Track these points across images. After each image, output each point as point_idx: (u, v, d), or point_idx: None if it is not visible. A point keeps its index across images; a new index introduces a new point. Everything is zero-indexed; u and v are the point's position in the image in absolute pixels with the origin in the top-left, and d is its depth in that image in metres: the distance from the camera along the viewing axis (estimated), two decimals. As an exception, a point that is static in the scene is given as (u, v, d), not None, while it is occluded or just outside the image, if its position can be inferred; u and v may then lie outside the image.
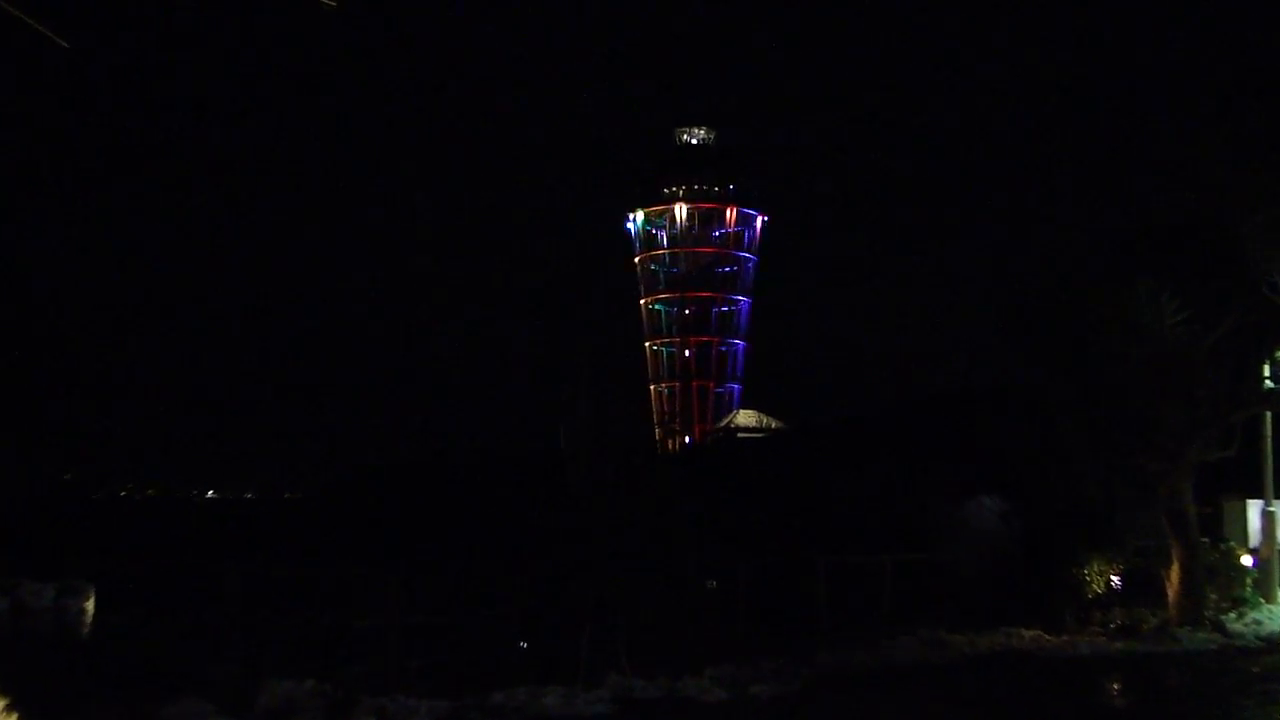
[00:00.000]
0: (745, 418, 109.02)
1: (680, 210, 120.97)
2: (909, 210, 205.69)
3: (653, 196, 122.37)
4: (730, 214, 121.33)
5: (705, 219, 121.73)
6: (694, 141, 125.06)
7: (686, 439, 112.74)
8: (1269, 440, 24.77)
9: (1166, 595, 23.68)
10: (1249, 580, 24.62)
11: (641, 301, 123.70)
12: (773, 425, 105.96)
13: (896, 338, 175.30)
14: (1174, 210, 23.78)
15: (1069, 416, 23.61)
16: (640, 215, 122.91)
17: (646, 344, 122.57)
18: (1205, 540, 24.58)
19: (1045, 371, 24.16)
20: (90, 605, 14.22)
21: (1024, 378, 25.76)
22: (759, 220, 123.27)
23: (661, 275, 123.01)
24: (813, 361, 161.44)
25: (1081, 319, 22.96)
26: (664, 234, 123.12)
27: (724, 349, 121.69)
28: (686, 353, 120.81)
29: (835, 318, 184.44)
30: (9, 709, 6.51)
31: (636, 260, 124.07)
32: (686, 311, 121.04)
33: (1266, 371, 23.94)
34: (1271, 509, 24.88)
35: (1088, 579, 24.05)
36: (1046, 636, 21.98)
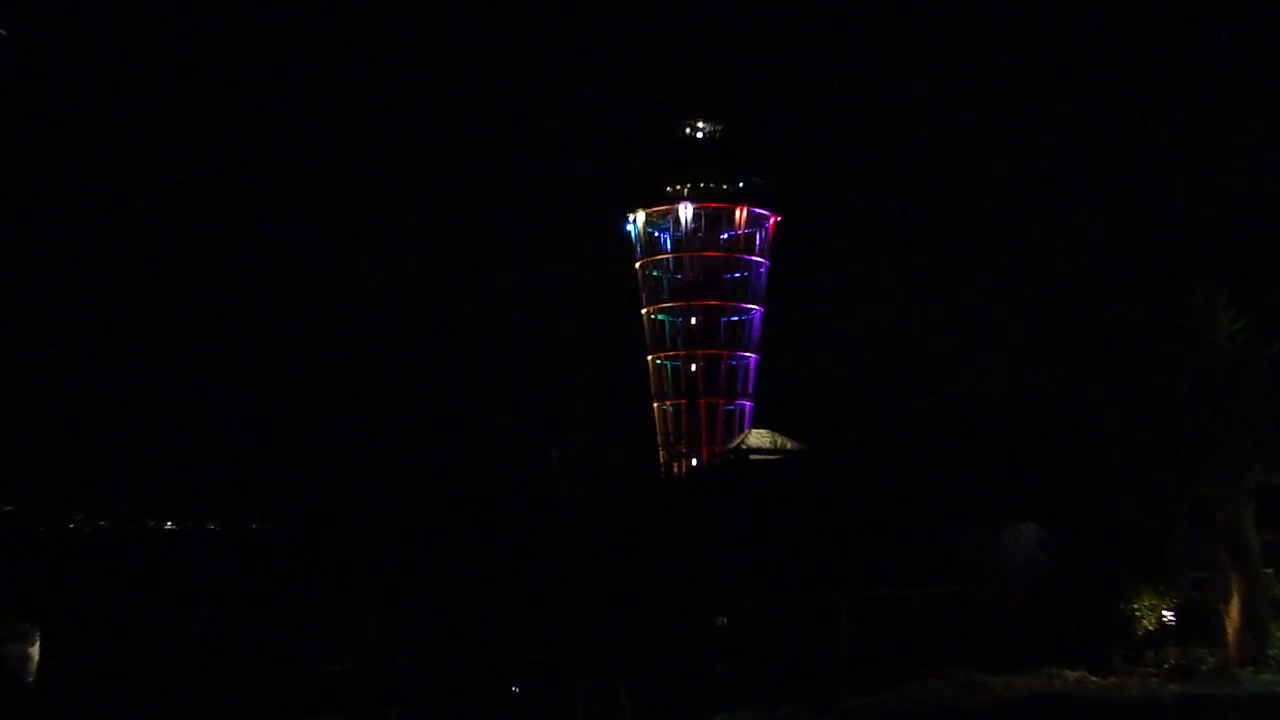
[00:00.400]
0: (758, 438, 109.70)
1: (685, 210, 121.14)
2: (934, 210, 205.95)
3: (654, 196, 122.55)
4: (740, 214, 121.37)
5: (712, 220, 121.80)
6: (699, 135, 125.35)
7: (694, 461, 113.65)
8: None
9: (1225, 633, 23.21)
10: (1317, 616, 24.09)
11: (643, 311, 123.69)
12: (788, 446, 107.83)
13: (922, 348, 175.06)
14: (1236, 207, 23.47)
15: (1116, 435, 23.30)
16: (641, 216, 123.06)
17: (649, 358, 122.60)
18: (1269, 571, 24.06)
19: (1090, 385, 23.72)
20: (35, 651, 14.00)
21: (1066, 392, 25.32)
22: (771, 221, 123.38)
23: (665, 282, 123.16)
24: (831, 376, 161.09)
25: (1130, 327, 22.70)
26: (667, 237, 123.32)
27: (734, 363, 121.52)
28: (693, 367, 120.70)
29: (855, 327, 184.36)
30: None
31: (637, 266, 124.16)
32: (693, 321, 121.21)
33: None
34: (1341, 536, 25.25)
35: (1137, 615, 23.64)
36: (1092, 678, 21.66)
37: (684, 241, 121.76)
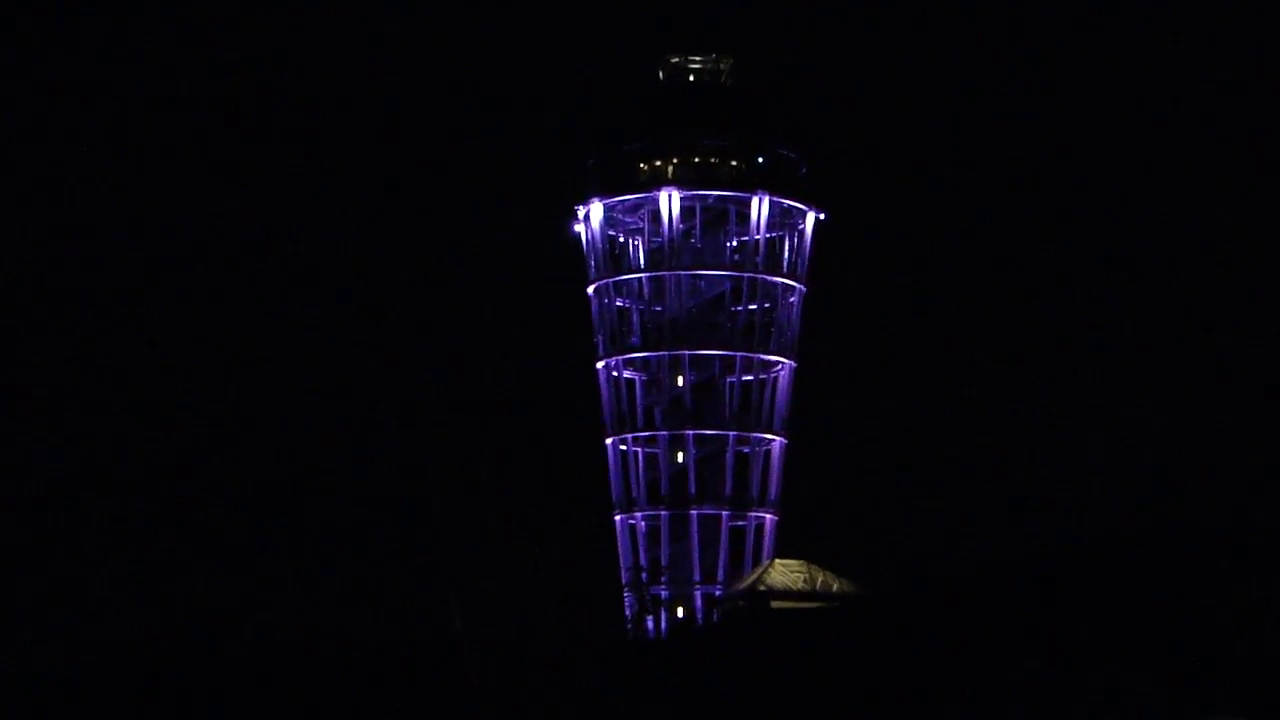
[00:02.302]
0: (783, 573, 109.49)
1: (669, 200, 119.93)
2: (1042, 199, 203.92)
3: (620, 176, 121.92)
4: (758, 207, 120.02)
5: (714, 217, 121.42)
6: (694, 76, 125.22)
7: (679, 612, 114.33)
8: None
9: None
10: None
11: (599, 365, 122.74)
12: (832, 586, 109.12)
13: (1040, 429, 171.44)
14: None
15: None
16: (597, 210, 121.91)
17: (608, 441, 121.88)
18: None
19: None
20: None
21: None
22: (810, 218, 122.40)
23: (635, 317, 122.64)
24: (900, 470, 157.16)
25: None
26: (640, 243, 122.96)
27: (747, 450, 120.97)
28: (680, 458, 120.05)
29: (938, 389, 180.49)
30: None
31: (591, 290, 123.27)
32: (679, 383, 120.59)
33: None
34: None
35: None
36: None
37: (667, 252, 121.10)
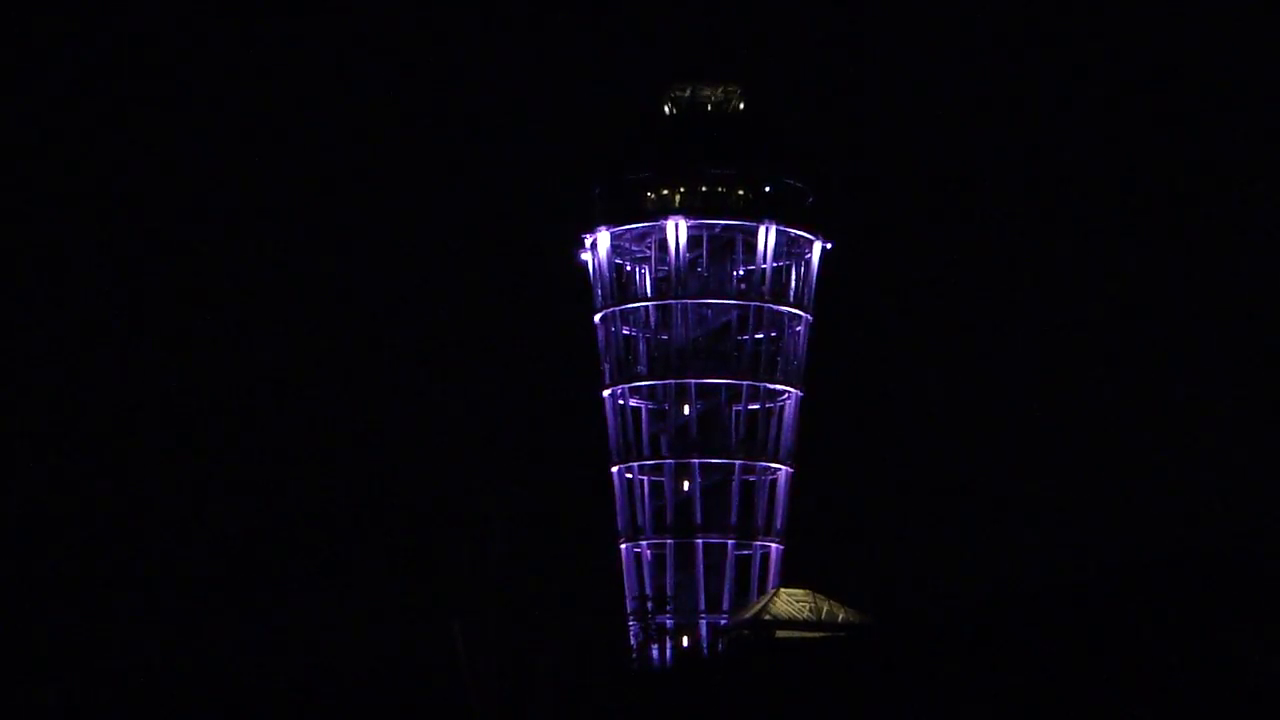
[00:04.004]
0: (788, 602, 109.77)
1: (675, 229, 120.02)
2: (1055, 226, 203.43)
3: (627, 205, 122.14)
4: (765, 236, 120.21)
5: (721, 246, 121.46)
6: (701, 105, 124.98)
7: (685, 641, 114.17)
8: None
9: None
10: None
11: (605, 393, 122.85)
12: (838, 616, 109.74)
13: (1045, 457, 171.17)
14: None
15: None
16: (605, 239, 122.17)
17: (615, 470, 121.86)
18: None
19: None
20: None
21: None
22: (816, 247, 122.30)
23: (642, 346, 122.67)
24: (905, 499, 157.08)
25: None
26: (647, 271, 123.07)
27: (753, 479, 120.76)
28: (686, 487, 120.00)
29: (943, 418, 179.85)
30: None
31: (598, 319, 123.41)
32: (686, 411, 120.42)
33: None
34: None
35: None
36: None
37: (674, 280, 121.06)
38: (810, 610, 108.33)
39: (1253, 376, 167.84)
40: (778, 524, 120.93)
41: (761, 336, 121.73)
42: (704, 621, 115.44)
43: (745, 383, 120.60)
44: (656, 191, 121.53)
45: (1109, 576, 64.44)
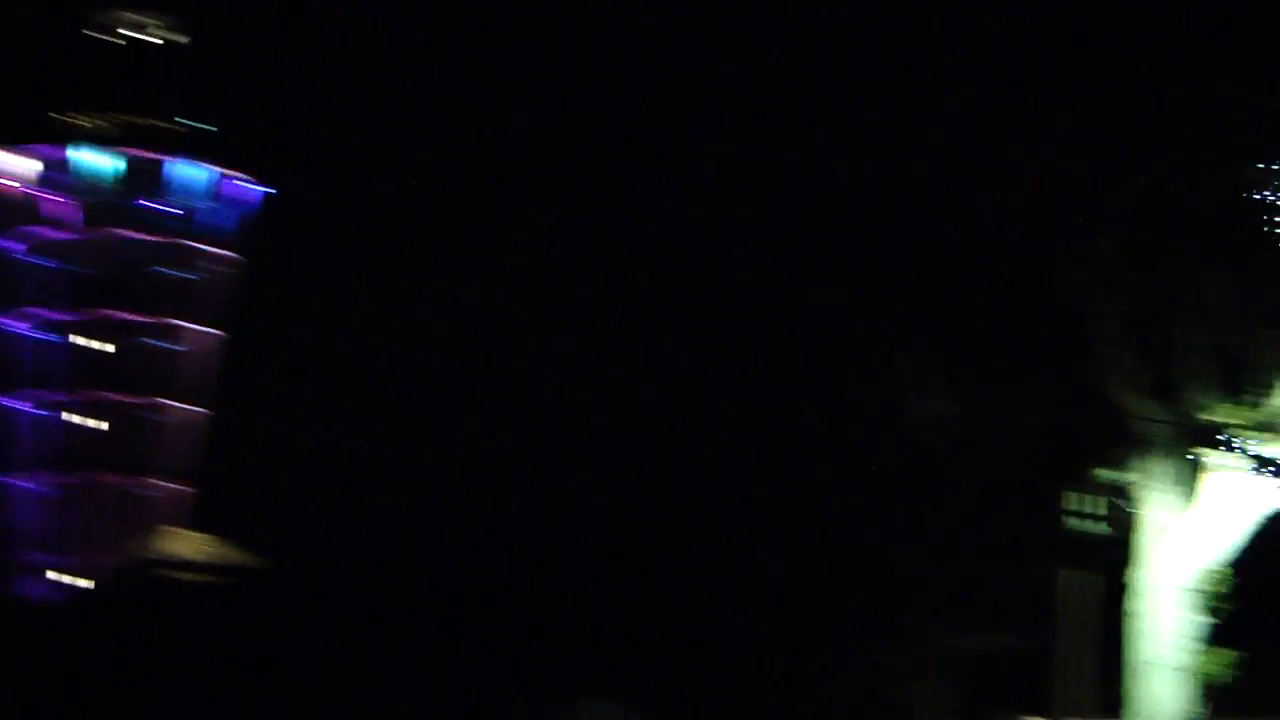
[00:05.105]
0: (187, 544, 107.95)
1: (94, 158, 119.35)
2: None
3: (41, 129, 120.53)
4: (190, 172, 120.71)
5: (142, 179, 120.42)
6: (131, 35, 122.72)
7: (76, 579, 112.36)
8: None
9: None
10: None
11: (10, 320, 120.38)
12: (238, 562, 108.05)
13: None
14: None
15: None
16: (20, 163, 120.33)
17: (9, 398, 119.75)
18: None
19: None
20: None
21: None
22: (245, 188, 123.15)
23: (56, 276, 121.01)
24: (325, 450, 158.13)
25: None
26: (66, 200, 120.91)
27: (163, 419, 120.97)
28: (91, 422, 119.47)
29: (368, 383, 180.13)
30: None
31: (11, 242, 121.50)
32: (100, 346, 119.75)
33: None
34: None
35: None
36: None
37: (94, 211, 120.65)
38: (210, 555, 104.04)
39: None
40: (185, 466, 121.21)
41: (183, 275, 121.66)
42: (102, 557, 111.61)
43: (162, 320, 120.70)
44: (72, 118, 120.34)
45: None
